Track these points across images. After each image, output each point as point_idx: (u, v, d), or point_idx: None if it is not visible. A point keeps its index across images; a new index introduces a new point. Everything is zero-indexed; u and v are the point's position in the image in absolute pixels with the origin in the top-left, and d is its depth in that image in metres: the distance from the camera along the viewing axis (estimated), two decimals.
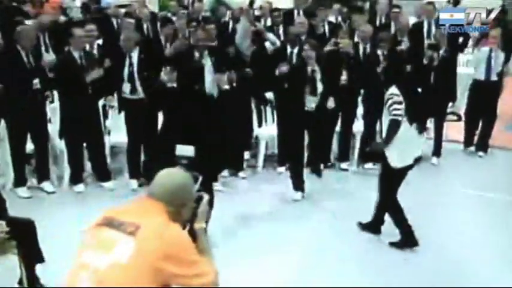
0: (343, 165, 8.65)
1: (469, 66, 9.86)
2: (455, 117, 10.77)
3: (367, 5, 12.35)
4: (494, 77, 9.32)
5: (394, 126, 5.89)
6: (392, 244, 6.24)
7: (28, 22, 8.24)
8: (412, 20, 10.60)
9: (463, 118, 9.76)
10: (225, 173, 8.10)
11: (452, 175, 8.71)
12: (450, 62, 8.87)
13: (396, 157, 5.97)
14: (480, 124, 9.66)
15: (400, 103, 5.86)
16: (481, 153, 9.61)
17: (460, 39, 10.02)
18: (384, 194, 6.26)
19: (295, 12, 10.54)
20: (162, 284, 2.78)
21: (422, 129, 6.09)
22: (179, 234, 2.85)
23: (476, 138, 9.76)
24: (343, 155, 8.69)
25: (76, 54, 7.29)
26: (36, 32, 7.77)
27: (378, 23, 10.53)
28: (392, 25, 10.10)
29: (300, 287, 5.29)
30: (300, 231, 6.55)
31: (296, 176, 7.48)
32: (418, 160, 6.15)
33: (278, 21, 9.93)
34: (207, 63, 7.12)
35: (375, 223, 6.51)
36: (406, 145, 5.92)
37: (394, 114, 5.85)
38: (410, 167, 6.06)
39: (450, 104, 9.44)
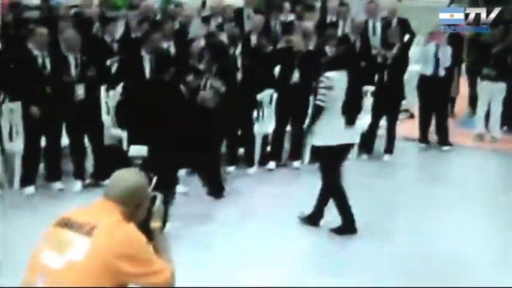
0: (296, 163, 8.62)
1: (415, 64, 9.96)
2: (407, 115, 10.95)
3: (318, 4, 12.37)
4: (442, 73, 9.43)
5: (315, 110, 6.16)
6: (332, 230, 6.33)
7: None
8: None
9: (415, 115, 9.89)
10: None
11: (406, 171, 8.82)
12: (403, 60, 8.94)
13: (318, 136, 6.18)
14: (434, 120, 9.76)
15: (328, 88, 5.99)
16: (445, 147, 9.66)
17: (406, 37, 10.16)
18: (324, 180, 6.35)
19: (245, 10, 10.54)
20: (119, 284, 2.79)
21: (349, 121, 6.16)
22: (132, 233, 2.86)
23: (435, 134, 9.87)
24: (296, 154, 8.66)
25: (37, 53, 7.19)
26: None
27: (328, 20, 10.60)
28: (341, 23, 10.20)
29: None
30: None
31: None
32: (348, 147, 6.38)
33: (228, 19, 9.92)
34: None
35: (315, 214, 6.52)
36: (329, 128, 6.09)
37: (318, 99, 6.06)
38: (338, 151, 6.19)
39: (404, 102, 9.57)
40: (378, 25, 10.41)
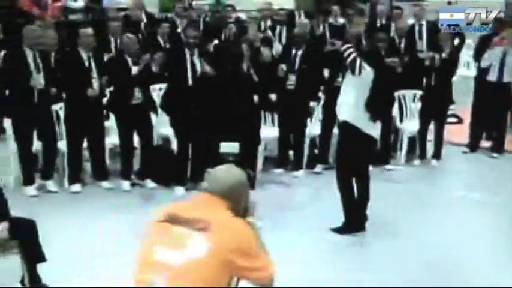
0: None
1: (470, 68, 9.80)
2: (455, 120, 10.82)
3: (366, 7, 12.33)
4: (507, 79, 9.25)
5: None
6: (334, 230, 6.31)
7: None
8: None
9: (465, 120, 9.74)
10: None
11: (452, 177, 8.70)
12: (453, 64, 8.83)
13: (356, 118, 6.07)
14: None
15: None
16: (495, 154, 9.45)
17: (456, 41, 10.03)
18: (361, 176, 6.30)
19: (297, 13, 10.57)
20: (230, 279, 2.89)
21: (374, 118, 6.10)
22: (245, 228, 2.97)
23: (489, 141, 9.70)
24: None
25: (84, 55, 7.34)
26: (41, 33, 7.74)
27: (378, 24, 10.56)
28: (393, 26, 10.13)
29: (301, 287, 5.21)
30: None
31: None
32: (371, 142, 6.30)
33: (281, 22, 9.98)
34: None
35: (353, 221, 6.39)
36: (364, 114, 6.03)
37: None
38: (359, 140, 6.11)
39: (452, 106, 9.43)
40: (424, 28, 10.32)
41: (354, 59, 5.98)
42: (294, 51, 8.13)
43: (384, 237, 6.33)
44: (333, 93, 8.08)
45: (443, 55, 8.56)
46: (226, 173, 3.10)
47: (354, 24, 9.56)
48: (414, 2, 11.14)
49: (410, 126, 9.00)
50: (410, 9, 11.07)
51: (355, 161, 6.27)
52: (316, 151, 8.70)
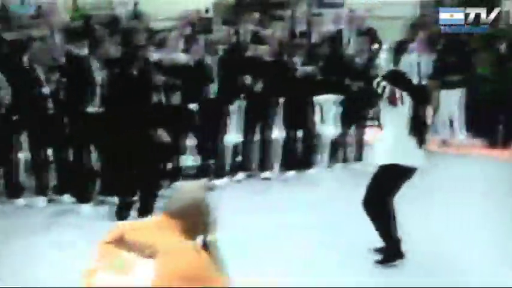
0: (264, 173, 8.56)
1: None
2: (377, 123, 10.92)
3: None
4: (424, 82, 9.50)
5: None
6: (378, 262, 5.71)
7: None
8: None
9: None
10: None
11: None
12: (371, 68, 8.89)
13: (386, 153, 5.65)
14: None
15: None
16: None
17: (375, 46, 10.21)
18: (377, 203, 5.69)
19: (215, 20, 10.50)
20: None
21: (421, 140, 5.66)
22: (195, 253, 2.80)
23: None
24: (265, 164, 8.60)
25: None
26: None
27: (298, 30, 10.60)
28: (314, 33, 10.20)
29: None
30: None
31: None
32: (410, 171, 5.66)
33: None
34: None
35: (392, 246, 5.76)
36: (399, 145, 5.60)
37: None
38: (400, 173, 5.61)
39: None
40: (349, 34, 10.46)
41: (393, 91, 5.50)
42: (211, 58, 8.07)
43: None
44: (253, 100, 8.18)
45: (361, 60, 8.64)
46: (182, 192, 2.99)
47: (273, 30, 9.63)
48: (335, 8, 11.24)
49: (331, 130, 9.02)
50: (337, 14, 11.22)
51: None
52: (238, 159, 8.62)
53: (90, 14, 9.41)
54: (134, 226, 2.99)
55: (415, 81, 9.18)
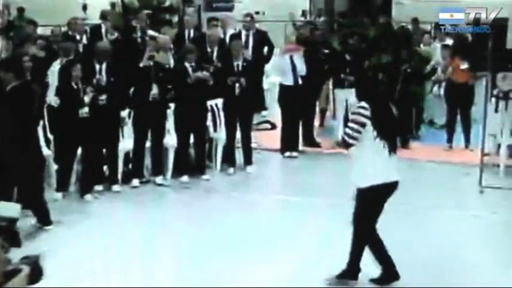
0: (158, 179, 8.51)
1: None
2: (269, 126, 11.07)
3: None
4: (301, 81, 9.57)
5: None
6: (373, 280, 5.57)
7: None
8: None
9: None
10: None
11: (267, 181, 8.91)
12: (256, 72, 9.08)
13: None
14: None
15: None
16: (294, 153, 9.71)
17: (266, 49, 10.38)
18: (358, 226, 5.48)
19: (104, 27, 10.39)
20: None
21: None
22: None
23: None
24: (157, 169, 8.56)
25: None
26: None
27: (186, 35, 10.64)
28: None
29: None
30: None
31: None
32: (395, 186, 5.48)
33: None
34: None
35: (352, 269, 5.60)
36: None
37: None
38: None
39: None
40: (250, 38, 10.78)
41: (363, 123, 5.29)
42: (98, 66, 7.95)
43: None
44: (141, 106, 8.11)
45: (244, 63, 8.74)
46: None
47: (163, 35, 9.59)
48: (227, 13, 11.35)
49: (223, 135, 9.01)
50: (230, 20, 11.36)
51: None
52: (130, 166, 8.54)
53: None
54: None
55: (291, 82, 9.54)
